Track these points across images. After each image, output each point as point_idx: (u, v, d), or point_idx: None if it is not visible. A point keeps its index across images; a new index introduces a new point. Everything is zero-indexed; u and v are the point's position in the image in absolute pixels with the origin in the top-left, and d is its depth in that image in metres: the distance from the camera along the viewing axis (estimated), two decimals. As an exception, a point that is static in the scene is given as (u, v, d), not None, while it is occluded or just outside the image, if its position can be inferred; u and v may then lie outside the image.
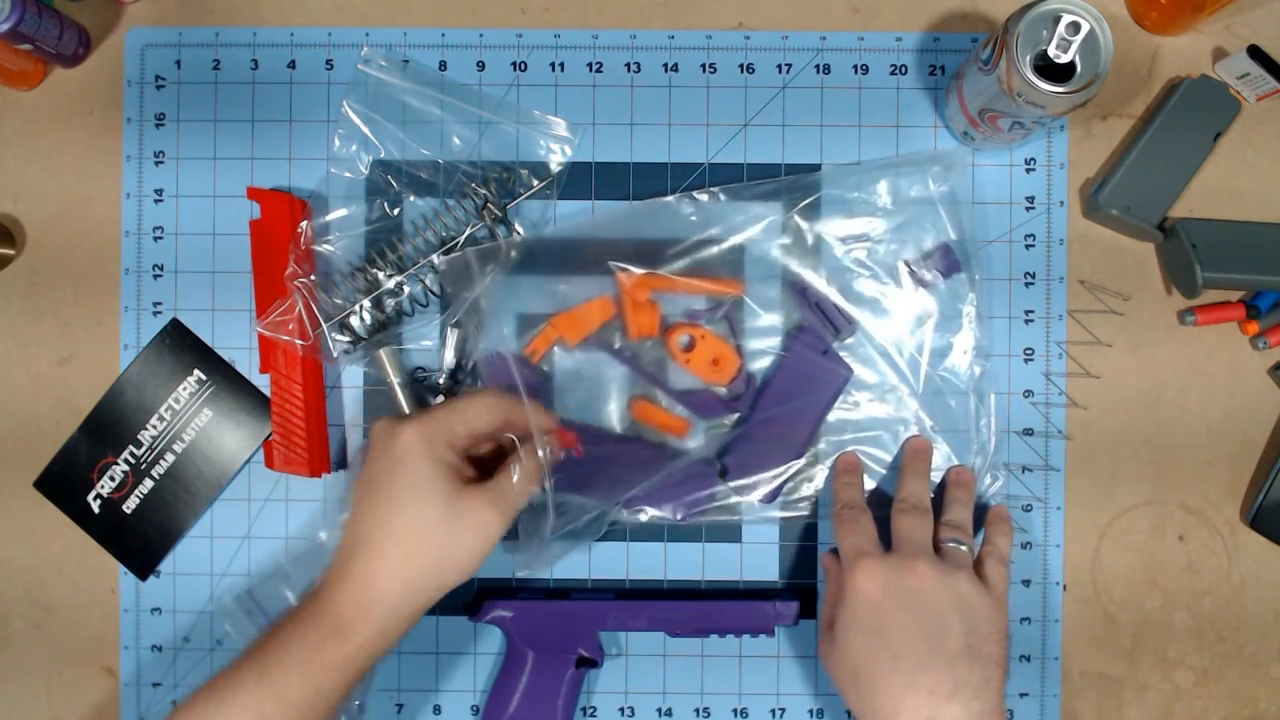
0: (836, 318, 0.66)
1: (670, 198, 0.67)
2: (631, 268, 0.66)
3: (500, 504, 0.57)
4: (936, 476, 0.67)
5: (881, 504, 0.65)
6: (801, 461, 0.67)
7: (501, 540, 0.67)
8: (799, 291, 0.67)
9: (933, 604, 0.58)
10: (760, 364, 0.68)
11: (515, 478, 0.58)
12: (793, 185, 0.67)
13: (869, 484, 0.68)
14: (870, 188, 0.67)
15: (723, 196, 0.67)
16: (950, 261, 0.66)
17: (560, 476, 0.65)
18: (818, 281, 0.67)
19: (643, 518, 0.67)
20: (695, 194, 0.67)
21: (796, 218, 0.67)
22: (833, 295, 0.67)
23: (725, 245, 0.67)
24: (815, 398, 0.66)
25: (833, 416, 0.67)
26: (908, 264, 0.67)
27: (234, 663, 0.55)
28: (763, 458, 0.66)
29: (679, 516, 0.66)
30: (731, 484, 0.66)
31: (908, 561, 0.59)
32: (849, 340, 0.67)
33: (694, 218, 0.67)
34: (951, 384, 0.67)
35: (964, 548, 0.62)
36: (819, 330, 0.67)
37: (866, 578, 0.59)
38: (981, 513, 0.66)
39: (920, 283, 0.67)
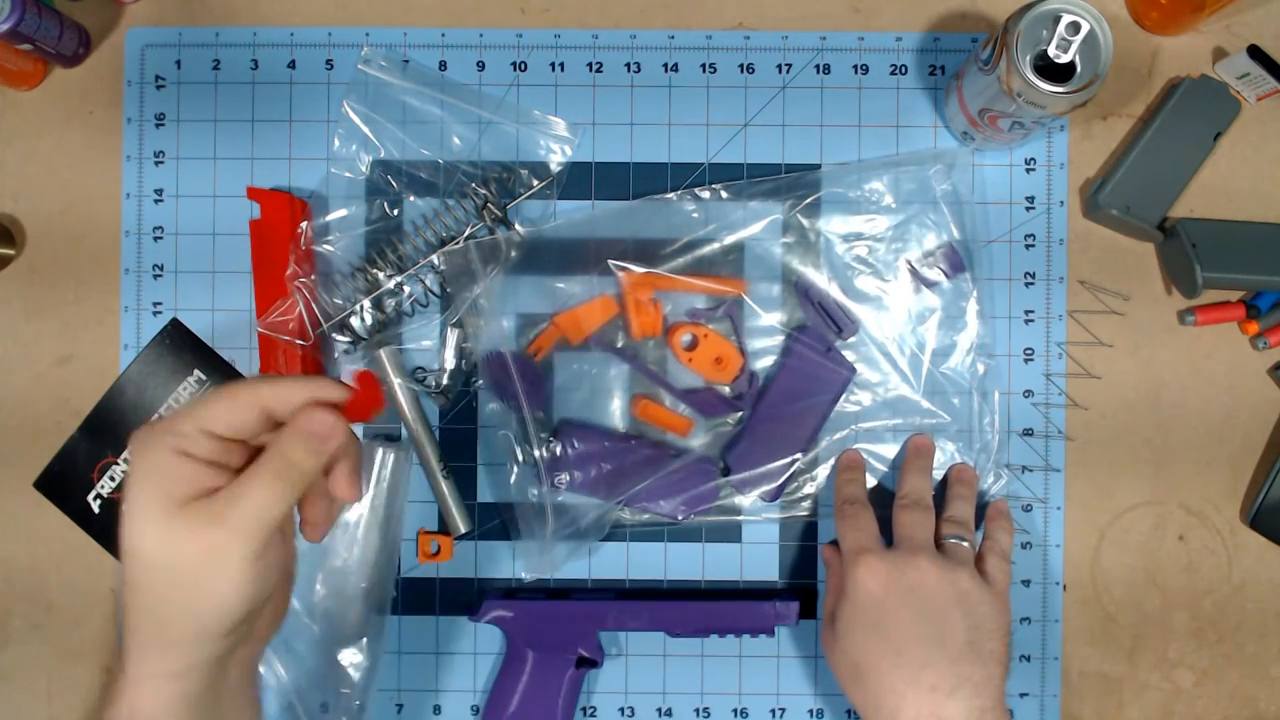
0: (839, 316, 0.66)
1: (671, 195, 0.67)
2: (632, 266, 0.66)
3: (222, 527, 0.43)
4: (938, 475, 0.67)
5: (883, 502, 0.65)
6: (804, 460, 0.67)
7: (504, 542, 0.67)
8: (801, 290, 0.67)
9: (934, 600, 0.58)
10: (763, 363, 0.68)
11: (247, 486, 0.44)
12: (794, 184, 0.67)
13: (871, 481, 0.68)
14: (872, 186, 0.67)
15: (724, 195, 0.67)
16: (952, 260, 0.66)
17: (562, 477, 0.66)
18: (820, 280, 0.67)
19: (644, 516, 0.67)
20: (696, 191, 0.67)
21: (798, 216, 0.67)
22: (835, 294, 0.67)
23: (726, 244, 0.67)
24: (818, 396, 0.66)
25: (835, 415, 0.67)
26: (910, 262, 0.67)
27: None
28: (765, 456, 0.66)
29: (680, 516, 0.66)
30: (734, 482, 0.66)
31: (909, 557, 0.59)
32: (851, 339, 0.67)
33: (695, 216, 0.67)
34: (954, 382, 0.67)
35: (965, 544, 0.62)
36: (821, 329, 0.67)
37: (868, 573, 0.59)
38: (981, 510, 0.66)
39: (922, 281, 0.67)
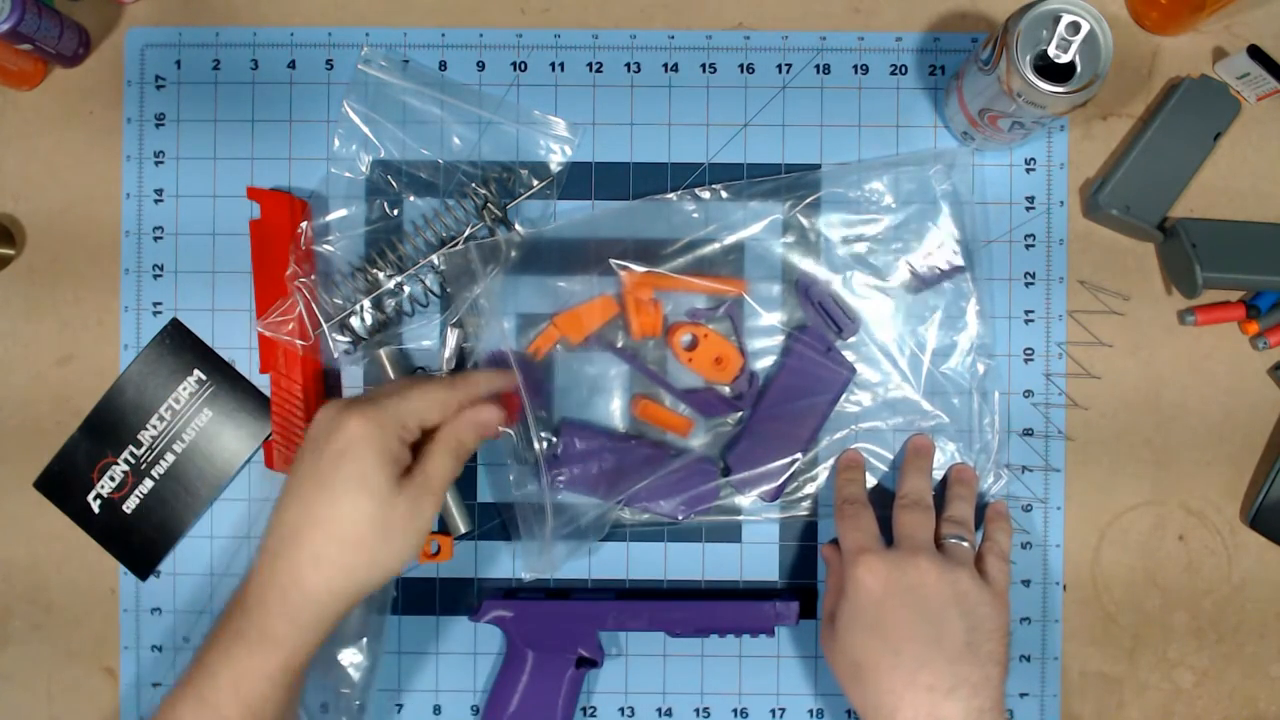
0: (839, 316, 0.66)
1: (672, 195, 0.67)
2: (633, 266, 0.66)
3: (429, 497, 0.54)
4: (938, 475, 0.67)
5: (883, 502, 0.65)
6: (804, 460, 0.67)
7: (504, 542, 0.67)
8: (802, 290, 0.67)
9: (934, 600, 0.58)
10: (763, 363, 0.68)
11: (437, 464, 0.54)
12: (794, 183, 0.67)
13: (871, 481, 0.68)
14: (872, 186, 0.67)
15: (724, 194, 0.67)
16: (952, 260, 0.66)
17: (563, 476, 0.66)
18: (820, 280, 0.67)
19: (644, 516, 0.67)
20: (697, 191, 0.67)
21: (798, 216, 0.67)
22: (835, 294, 0.67)
23: (727, 243, 0.67)
24: (818, 396, 0.66)
25: (835, 415, 0.67)
26: (910, 262, 0.67)
27: (174, 689, 0.53)
28: (765, 456, 0.66)
29: (680, 515, 0.66)
30: (734, 482, 0.66)
31: (909, 557, 0.59)
32: (851, 339, 0.67)
33: (695, 216, 0.67)
34: (954, 382, 0.67)
35: (965, 544, 0.62)
36: (821, 329, 0.67)
37: (868, 573, 0.59)
38: (981, 510, 0.66)
39: (923, 281, 0.67)
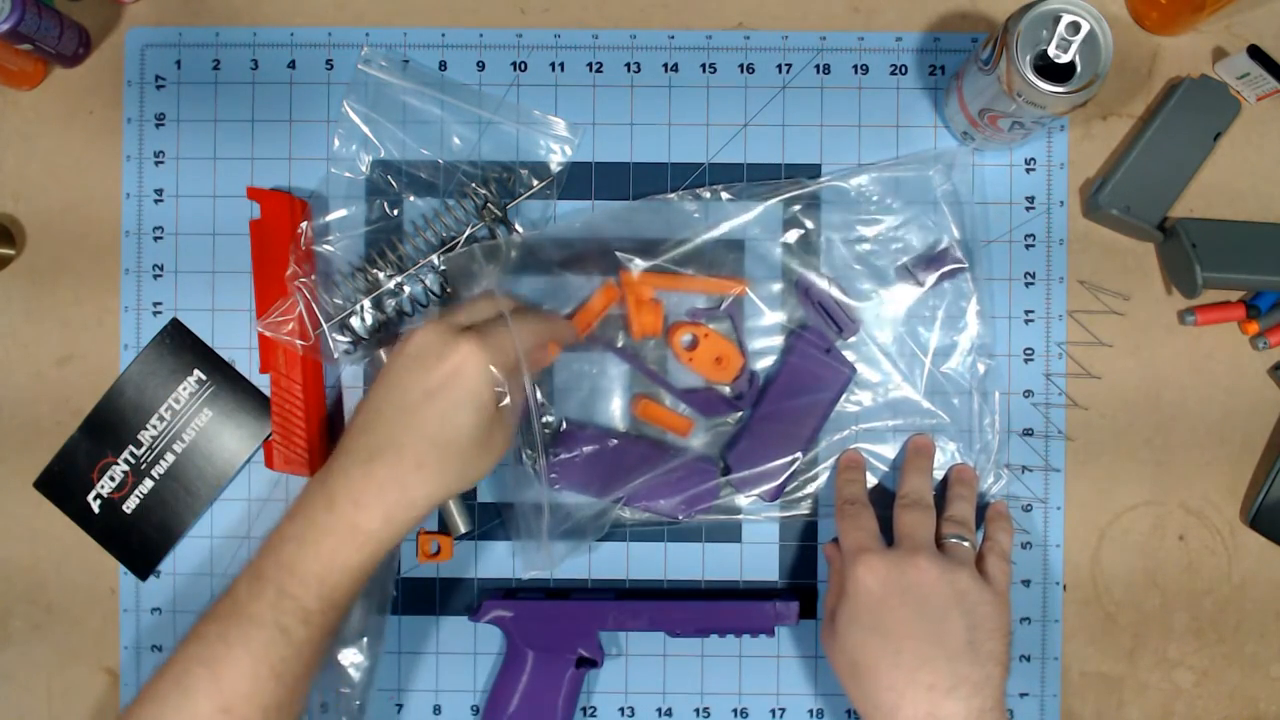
0: (839, 316, 0.66)
1: (673, 195, 0.67)
2: (638, 259, 0.66)
3: (515, 415, 0.58)
4: (938, 475, 0.67)
5: (884, 502, 0.65)
6: (804, 459, 0.67)
7: (504, 542, 0.67)
8: (802, 290, 0.67)
9: (934, 599, 0.58)
10: (763, 362, 0.68)
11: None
12: (795, 183, 0.67)
13: (871, 481, 0.68)
14: (873, 186, 0.67)
15: (725, 195, 0.67)
16: (953, 260, 0.66)
17: (562, 476, 0.66)
18: (820, 280, 0.67)
19: (644, 515, 0.67)
20: (698, 191, 0.67)
21: (799, 216, 0.67)
22: (835, 294, 0.67)
23: (727, 244, 0.67)
24: (818, 396, 0.66)
25: (836, 415, 0.67)
26: (910, 263, 0.67)
27: (240, 586, 0.54)
28: (765, 455, 0.66)
29: (681, 515, 0.66)
30: (734, 481, 0.66)
31: (909, 556, 0.59)
32: (852, 339, 0.67)
33: (696, 215, 0.67)
34: (954, 382, 0.67)
35: (966, 544, 0.62)
36: (822, 329, 0.67)
37: (868, 572, 0.59)
38: (981, 511, 0.66)
39: (923, 281, 0.67)
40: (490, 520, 0.68)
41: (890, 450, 0.68)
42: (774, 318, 0.67)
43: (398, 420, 0.55)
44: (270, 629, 0.53)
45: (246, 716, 0.53)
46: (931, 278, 0.67)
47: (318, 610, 0.54)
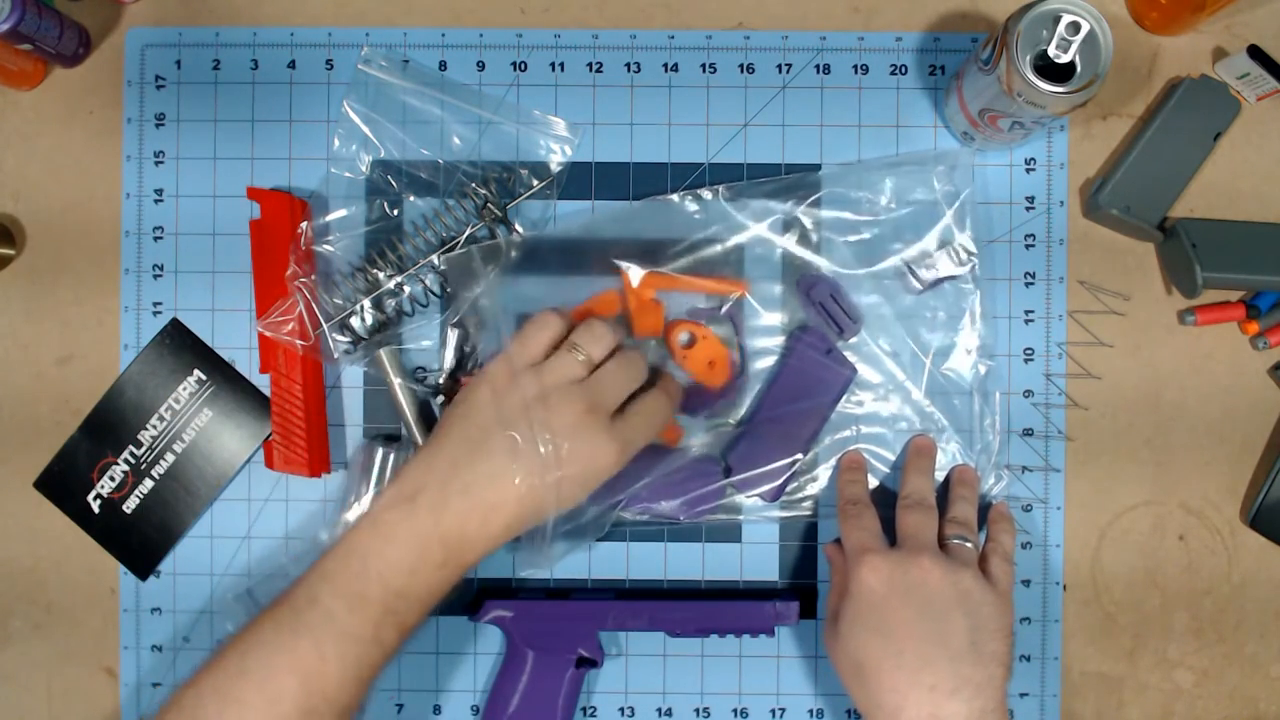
0: (840, 317, 0.66)
1: (674, 196, 0.67)
2: (636, 266, 0.66)
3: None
4: (939, 476, 0.67)
5: (885, 503, 0.65)
6: (805, 460, 0.67)
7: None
8: (803, 290, 0.67)
9: (937, 600, 0.58)
10: (764, 362, 0.68)
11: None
12: (797, 184, 0.67)
13: (872, 482, 0.68)
14: (875, 186, 0.67)
15: (726, 195, 0.67)
16: (954, 261, 0.66)
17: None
18: (822, 280, 0.67)
19: (646, 516, 0.67)
20: (699, 192, 0.67)
21: (801, 216, 0.67)
22: (836, 294, 0.67)
23: (728, 244, 0.67)
24: (819, 397, 0.66)
25: (837, 415, 0.67)
26: (911, 263, 0.67)
27: (348, 598, 0.55)
28: (766, 456, 0.66)
29: (683, 516, 0.66)
30: (735, 482, 0.66)
31: (912, 557, 0.59)
32: (853, 339, 0.67)
33: (698, 216, 0.67)
34: (955, 383, 0.67)
35: (969, 544, 0.62)
36: (823, 329, 0.67)
37: (871, 572, 0.59)
38: (983, 512, 0.66)
39: (924, 282, 0.67)
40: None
41: (891, 451, 0.68)
42: (774, 318, 0.67)
43: (537, 472, 0.56)
44: (369, 644, 0.55)
45: (330, 715, 0.54)
46: (933, 278, 0.67)
47: (414, 623, 0.57)
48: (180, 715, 0.54)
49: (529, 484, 0.56)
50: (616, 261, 0.66)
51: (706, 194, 0.67)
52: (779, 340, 0.67)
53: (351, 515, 0.65)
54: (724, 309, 0.67)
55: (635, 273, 0.66)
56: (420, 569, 0.55)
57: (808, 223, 0.67)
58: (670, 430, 0.67)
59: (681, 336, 0.66)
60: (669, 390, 0.63)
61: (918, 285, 0.67)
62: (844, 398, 0.67)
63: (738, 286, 0.67)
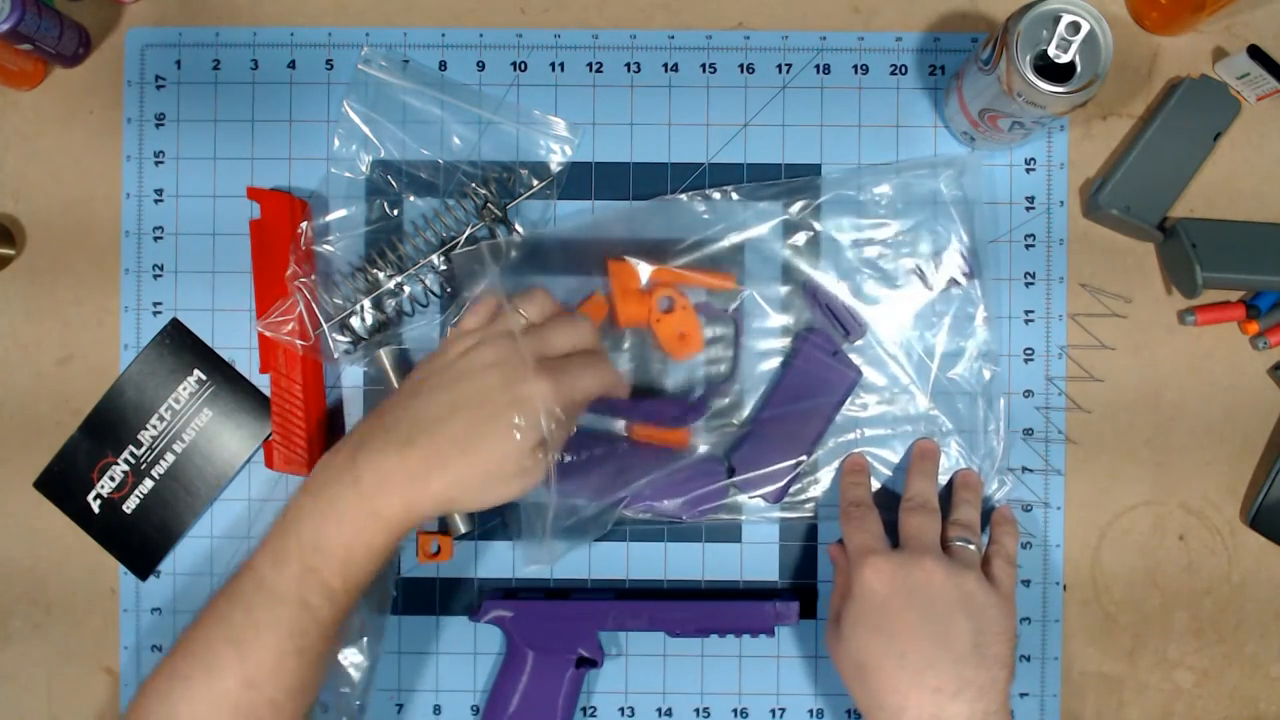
0: (846, 319, 0.66)
1: (682, 196, 0.67)
2: (636, 260, 0.66)
3: (557, 449, 0.57)
4: (943, 479, 0.67)
5: (888, 505, 0.65)
6: (808, 462, 0.67)
7: (504, 542, 0.67)
8: (809, 292, 0.67)
9: (940, 602, 0.58)
10: (769, 364, 0.67)
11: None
12: (804, 186, 0.67)
13: (875, 485, 0.67)
14: (882, 190, 0.67)
15: (734, 195, 0.67)
16: (961, 265, 0.66)
17: (569, 477, 0.65)
18: (827, 283, 0.67)
19: (648, 516, 0.67)
20: (707, 192, 0.67)
21: (807, 219, 0.67)
22: (843, 297, 0.67)
23: (733, 245, 0.67)
24: (824, 399, 0.66)
25: (841, 418, 0.67)
26: (918, 267, 0.67)
27: (272, 556, 0.54)
28: (770, 457, 0.66)
29: (686, 515, 0.66)
30: (738, 483, 0.66)
31: (915, 559, 0.59)
32: (858, 342, 0.67)
33: (705, 216, 0.67)
34: (960, 387, 0.67)
35: (972, 547, 0.62)
36: (829, 331, 0.67)
37: (874, 574, 0.59)
38: (986, 515, 0.66)
39: (930, 286, 0.67)
40: (490, 520, 0.68)
41: (895, 454, 0.68)
42: (780, 320, 0.67)
43: (444, 418, 0.54)
44: (295, 605, 0.53)
45: (271, 693, 0.53)
46: (939, 283, 0.67)
47: (340, 589, 0.54)
48: (139, 699, 0.55)
49: (434, 433, 0.54)
50: (628, 258, 0.66)
51: (715, 194, 0.67)
52: (784, 342, 0.67)
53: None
54: (730, 309, 0.67)
55: (643, 267, 0.66)
56: (333, 518, 0.54)
57: (815, 225, 0.67)
58: (679, 433, 0.67)
59: (662, 301, 0.66)
60: (611, 370, 0.61)
61: (924, 289, 0.67)
62: (849, 400, 0.67)
63: (728, 280, 0.66)
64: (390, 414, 0.56)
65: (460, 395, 0.55)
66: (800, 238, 0.67)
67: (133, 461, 0.68)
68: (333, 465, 0.55)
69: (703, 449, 0.67)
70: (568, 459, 0.65)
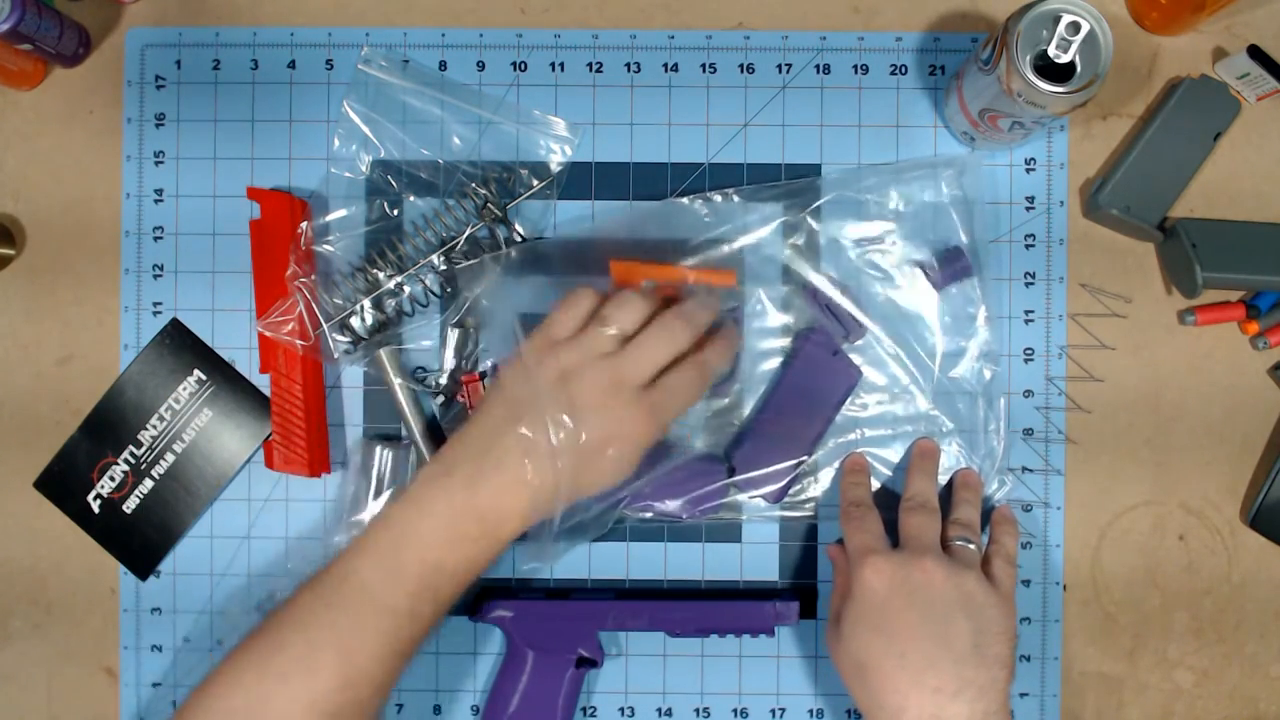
0: (847, 319, 0.66)
1: (684, 199, 0.67)
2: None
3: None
4: (943, 479, 0.67)
5: (888, 505, 0.65)
6: (808, 461, 0.67)
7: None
8: (809, 293, 0.67)
9: (940, 602, 0.58)
10: (769, 364, 0.67)
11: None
12: (805, 187, 0.67)
13: (875, 485, 0.67)
14: (883, 190, 0.67)
15: (736, 197, 0.67)
16: (961, 265, 0.66)
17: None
18: (828, 283, 0.67)
19: (648, 515, 0.67)
20: (709, 195, 0.67)
21: (808, 219, 0.67)
22: (843, 297, 0.67)
23: (736, 246, 0.67)
24: (824, 398, 0.66)
25: (841, 418, 0.67)
26: (919, 267, 0.67)
27: (384, 572, 0.55)
28: (770, 456, 0.66)
29: (684, 514, 0.66)
30: (738, 482, 0.66)
31: (915, 559, 0.59)
32: (859, 342, 0.67)
33: (707, 218, 0.67)
34: (960, 387, 0.67)
35: (972, 547, 0.62)
36: (829, 331, 0.67)
37: (874, 574, 0.59)
38: (985, 515, 0.66)
39: (931, 285, 0.67)
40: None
41: (895, 454, 0.68)
42: (780, 320, 0.67)
43: (564, 463, 0.56)
44: (405, 617, 0.55)
45: (364, 693, 0.55)
46: (939, 282, 0.67)
47: (449, 599, 0.57)
48: (218, 688, 0.55)
49: (552, 465, 0.56)
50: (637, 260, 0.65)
51: (717, 197, 0.67)
52: (784, 341, 0.67)
53: (367, 516, 0.65)
54: (731, 310, 0.67)
55: (619, 262, 0.65)
56: (456, 542, 0.56)
57: (816, 225, 0.67)
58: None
59: (644, 285, 0.65)
60: (721, 346, 0.61)
61: (925, 289, 0.67)
62: (849, 400, 0.67)
63: (727, 276, 0.66)
64: (506, 431, 0.57)
65: (573, 435, 0.56)
66: (801, 238, 0.67)
67: (133, 461, 0.68)
68: (448, 493, 0.56)
69: (703, 448, 0.67)
70: None
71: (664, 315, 0.59)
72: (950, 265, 0.66)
